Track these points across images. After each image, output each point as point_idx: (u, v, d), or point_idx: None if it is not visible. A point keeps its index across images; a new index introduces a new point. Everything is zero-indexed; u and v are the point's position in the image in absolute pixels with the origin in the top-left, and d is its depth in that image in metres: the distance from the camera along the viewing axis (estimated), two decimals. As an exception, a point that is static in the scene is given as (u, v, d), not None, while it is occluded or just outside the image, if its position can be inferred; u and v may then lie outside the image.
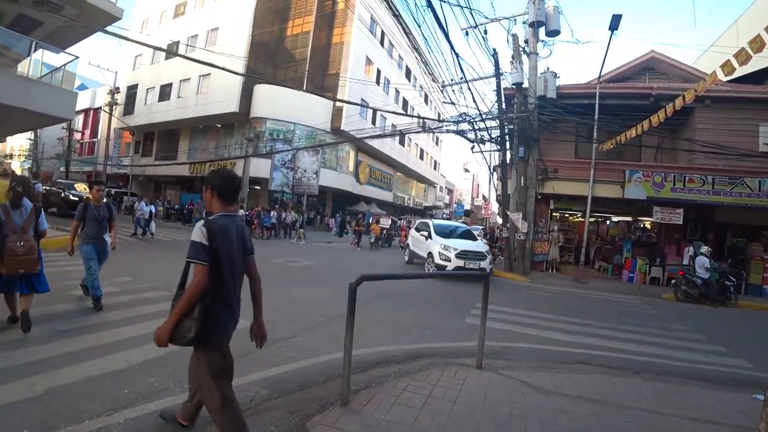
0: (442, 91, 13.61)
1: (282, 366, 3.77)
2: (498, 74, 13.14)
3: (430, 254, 11.00)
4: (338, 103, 27.80)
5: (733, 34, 20.99)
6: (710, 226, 13.89)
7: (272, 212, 19.81)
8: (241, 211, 19.34)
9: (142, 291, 6.05)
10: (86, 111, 43.12)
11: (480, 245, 11.67)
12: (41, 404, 2.64)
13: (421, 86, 40.60)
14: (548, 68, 13.12)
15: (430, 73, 39.83)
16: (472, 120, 12.71)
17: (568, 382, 3.86)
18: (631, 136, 11.56)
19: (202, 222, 2.09)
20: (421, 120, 20.09)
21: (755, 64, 10.78)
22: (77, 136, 44.58)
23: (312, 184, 21.51)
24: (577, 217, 19.97)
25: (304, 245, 16.95)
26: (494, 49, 13.39)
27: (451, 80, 13.79)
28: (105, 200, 5.40)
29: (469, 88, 12.68)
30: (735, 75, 8.94)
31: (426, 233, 11.94)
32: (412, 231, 11.19)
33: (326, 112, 27.57)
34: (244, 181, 21.01)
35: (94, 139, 42.17)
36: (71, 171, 40.55)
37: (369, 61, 30.66)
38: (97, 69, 32.04)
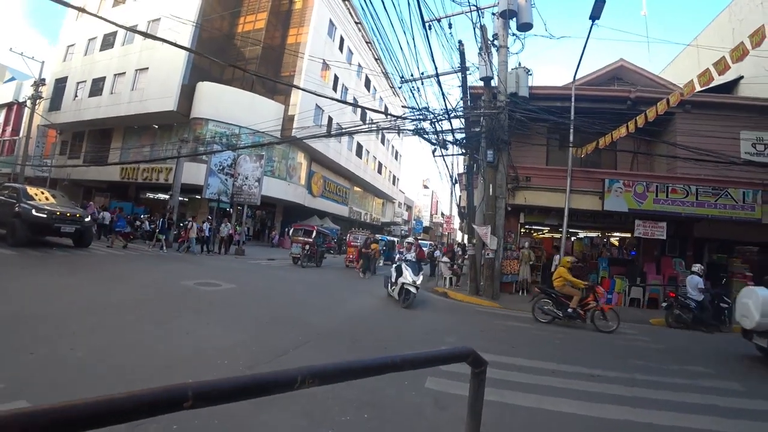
0: (400, 87, 11.70)
1: None
2: (464, 68, 11.53)
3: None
4: (290, 110, 25.70)
5: (694, 51, 20.99)
6: (689, 241, 12.77)
7: (204, 224, 17.12)
8: (203, 224, 16.68)
9: None
10: (9, 105, 38.51)
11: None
12: None
13: (381, 97, 39.22)
14: (520, 63, 11.64)
15: (387, 76, 38.85)
16: (435, 117, 10.90)
17: None
18: (611, 140, 10.18)
19: None
20: (379, 123, 17.92)
21: (729, 74, 10.25)
22: (-4, 133, 39.74)
23: (254, 193, 18.98)
24: (545, 233, 18.73)
25: (238, 263, 14.44)
26: (460, 41, 11.80)
27: (411, 75, 12.01)
28: None
29: (439, 83, 10.91)
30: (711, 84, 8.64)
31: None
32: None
33: (277, 117, 25.25)
34: (175, 187, 18.23)
35: (15, 137, 37.40)
36: (-16, 172, 35.82)
37: (326, 66, 28.77)
38: (20, 57, 28.25)
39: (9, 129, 38.55)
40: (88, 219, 12.27)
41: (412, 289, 8.53)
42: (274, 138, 21.68)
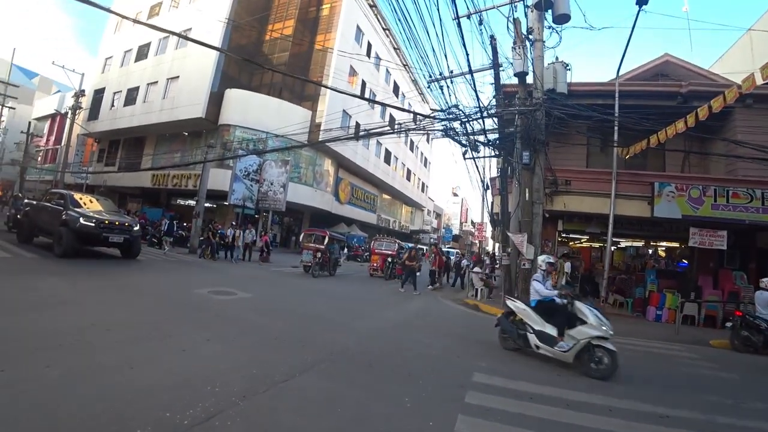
0: (428, 86, 11.04)
1: None
2: (496, 65, 10.75)
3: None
4: (317, 117, 25.48)
5: (746, 45, 19.41)
6: (751, 252, 11.42)
7: (229, 230, 16.90)
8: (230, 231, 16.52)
9: None
10: (52, 116, 40.40)
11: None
12: None
13: (410, 103, 38.66)
14: (557, 58, 10.73)
15: (415, 83, 38.19)
16: (466, 116, 10.15)
17: None
18: (665, 137, 9.12)
19: None
20: (407, 124, 17.07)
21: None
22: (41, 141, 41.69)
23: (279, 199, 18.73)
24: (582, 242, 17.51)
25: (260, 270, 14.06)
26: (492, 36, 11.04)
27: (440, 74, 11.32)
28: None
29: (473, 79, 10.19)
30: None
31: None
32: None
33: (304, 123, 25.05)
34: (200, 193, 18.16)
35: (57, 146, 39.09)
36: (30, 180, 37.51)
37: (354, 72, 28.49)
38: (59, 69, 29.45)
39: (53, 138, 40.36)
40: (137, 228, 11.49)
41: (612, 347, 5.12)
42: (300, 143, 21.44)
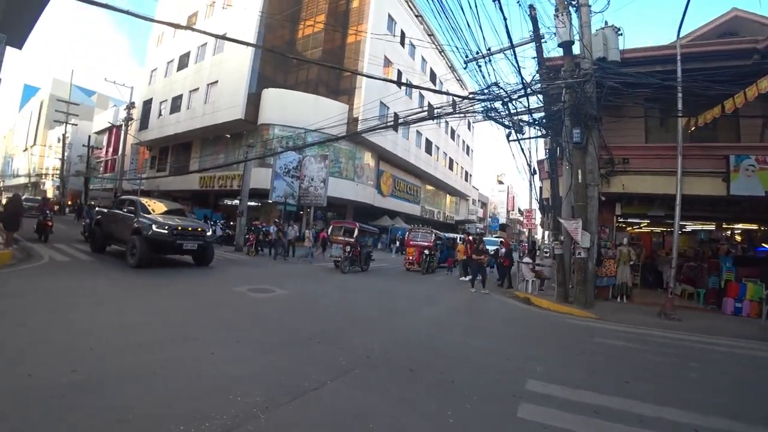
0: (465, 68, 10.32)
1: None
2: (537, 36, 9.84)
3: None
4: (354, 112, 25.21)
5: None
6: None
7: (272, 227, 17.03)
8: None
9: None
10: (109, 129, 43.05)
11: None
12: None
13: (447, 90, 37.51)
14: (606, 23, 9.68)
15: (452, 69, 36.97)
16: (508, 96, 9.38)
17: None
18: (740, 103, 7.93)
19: None
20: (447, 109, 15.95)
21: None
22: (101, 153, 44.60)
23: (320, 194, 18.66)
24: (642, 227, 16.10)
25: (302, 266, 13.99)
26: (530, 5, 10.13)
27: (477, 52, 10.56)
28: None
29: (514, 55, 9.42)
30: None
31: None
32: None
33: (341, 117, 24.87)
34: (243, 192, 18.45)
35: (115, 156, 41.63)
36: (93, 189, 40.24)
37: (388, 62, 27.93)
38: (113, 86, 31.21)
39: (111, 149, 43.02)
40: (210, 233, 10.92)
41: None
42: (337, 137, 21.24)
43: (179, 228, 9.80)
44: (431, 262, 15.41)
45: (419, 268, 15.37)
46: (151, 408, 2.82)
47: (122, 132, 31.60)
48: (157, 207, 11.07)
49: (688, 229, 15.26)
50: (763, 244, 12.49)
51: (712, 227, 14.30)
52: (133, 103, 31.87)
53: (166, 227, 9.56)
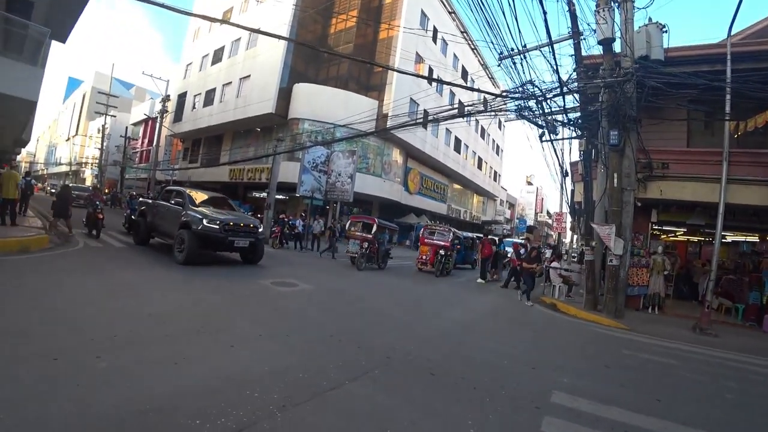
0: (499, 65, 10.06)
1: None
2: (576, 32, 9.47)
3: None
4: (384, 108, 25.14)
5: None
6: None
7: (298, 220, 17.22)
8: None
9: None
10: (145, 121, 44.60)
11: None
12: None
13: (479, 87, 36.95)
14: (650, 19, 9.23)
15: (485, 67, 36.30)
16: (542, 95, 9.09)
17: None
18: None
19: None
20: (478, 107, 15.46)
21: None
22: (137, 144, 46.28)
23: (346, 189, 18.69)
24: (677, 235, 15.36)
25: (327, 260, 14.04)
26: (569, 1, 9.77)
27: (511, 49, 10.28)
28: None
29: (552, 50, 9.11)
30: None
31: None
32: None
33: (371, 113, 24.87)
34: (271, 185, 18.71)
35: (150, 147, 43.11)
36: (128, 178, 41.80)
37: (420, 59, 27.67)
38: (150, 79, 32.24)
39: (146, 141, 44.57)
40: (261, 230, 10.26)
41: None
42: (366, 132, 21.24)
43: (231, 224, 9.17)
44: (447, 264, 14.13)
45: (432, 268, 14.09)
46: (169, 400, 2.83)
47: (157, 124, 32.75)
48: (198, 196, 10.42)
49: (729, 239, 14.46)
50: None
51: (755, 239, 13.50)
52: (169, 95, 32.93)
53: (218, 222, 8.90)
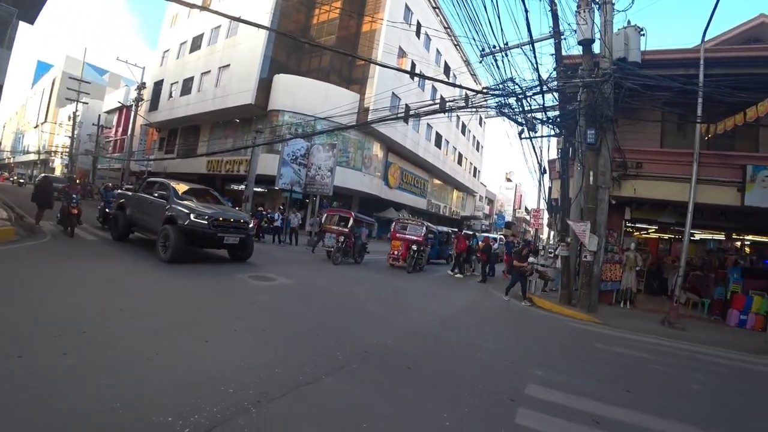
0: (481, 62, 10.10)
1: None
2: (557, 32, 9.59)
3: None
4: (366, 102, 25.00)
5: None
6: None
7: (277, 213, 17.01)
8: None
9: None
10: (119, 109, 43.13)
11: None
12: None
13: (461, 83, 37.12)
14: (629, 22, 9.43)
15: (467, 63, 36.52)
16: (522, 91, 9.18)
17: None
18: (764, 112, 7.71)
19: None
20: (459, 103, 15.37)
21: None
22: (110, 133, 44.74)
23: (326, 183, 18.54)
24: (649, 233, 15.87)
25: (307, 255, 13.92)
26: (551, 0, 9.88)
27: (493, 47, 10.33)
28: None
29: (533, 50, 9.20)
30: None
31: None
32: None
33: (352, 107, 24.68)
34: (249, 177, 18.41)
35: (124, 136, 41.75)
36: (101, 168, 40.43)
37: (402, 53, 27.61)
38: (125, 65, 31.17)
39: (120, 129, 43.15)
40: (251, 225, 9.79)
41: None
42: (347, 126, 21.07)
43: (220, 218, 8.50)
44: (419, 259, 13.50)
45: (404, 264, 13.38)
46: (140, 397, 2.74)
47: (132, 112, 31.70)
48: (180, 188, 9.53)
49: (697, 237, 15.02)
50: (773, 258, 12.25)
51: (722, 237, 14.07)
52: (144, 83, 31.86)
53: (206, 217, 8.23)
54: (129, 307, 4.78)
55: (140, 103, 31.05)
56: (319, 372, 3.62)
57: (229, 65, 26.35)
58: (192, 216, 8.11)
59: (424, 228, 14.33)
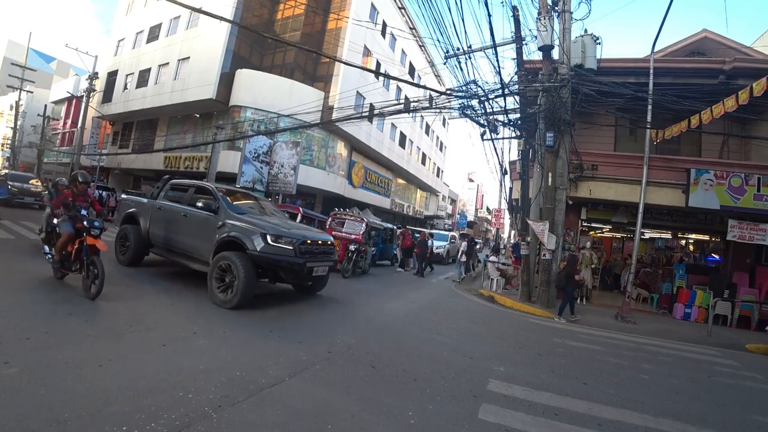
0: (445, 63, 10.25)
1: None
2: (519, 38, 9.88)
3: None
4: (330, 100, 24.77)
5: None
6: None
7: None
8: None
9: None
10: (69, 99, 40.62)
11: None
12: None
13: (425, 84, 37.52)
14: (586, 30, 9.84)
15: (432, 64, 37.06)
16: (485, 94, 9.39)
17: None
18: (710, 118, 8.27)
19: None
20: (423, 104, 15.53)
21: None
22: (58, 125, 42.06)
23: (289, 181, 18.24)
24: (604, 231, 16.67)
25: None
26: (514, 6, 10.15)
27: (457, 49, 10.51)
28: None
29: (496, 54, 9.40)
30: None
31: None
32: None
33: (316, 104, 24.40)
34: (210, 175, 17.83)
35: (74, 129, 39.35)
36: (47, 162, 37.92)
37: (368, 52, 27.56)
38: (75, 53, 29.39)
39: (69, 121, 40.65)
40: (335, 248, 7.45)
41: None
42: (311, 124, 20.80)
43: (308, 242, 6.13)
44: (359, 261, 11.23)
45: (340, 265, 10.30)
46: (91, 406, 2.58)
47: (83, 103, 29.88)
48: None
49: (647, 236, 15.93)
50: (713, 255, 13.19)
51: (668, 236, 14.98)
52: (97, 73, 30.08)
53: (291, 240, 5.85)
54: (78, 311, 4.49)
55: (92, 94, 29.33)
56: (282, 374, 3.56)
57: (189, 58, 25.36)
58: (269, 239, 5.70)
59: (364, 225, 12.15)
